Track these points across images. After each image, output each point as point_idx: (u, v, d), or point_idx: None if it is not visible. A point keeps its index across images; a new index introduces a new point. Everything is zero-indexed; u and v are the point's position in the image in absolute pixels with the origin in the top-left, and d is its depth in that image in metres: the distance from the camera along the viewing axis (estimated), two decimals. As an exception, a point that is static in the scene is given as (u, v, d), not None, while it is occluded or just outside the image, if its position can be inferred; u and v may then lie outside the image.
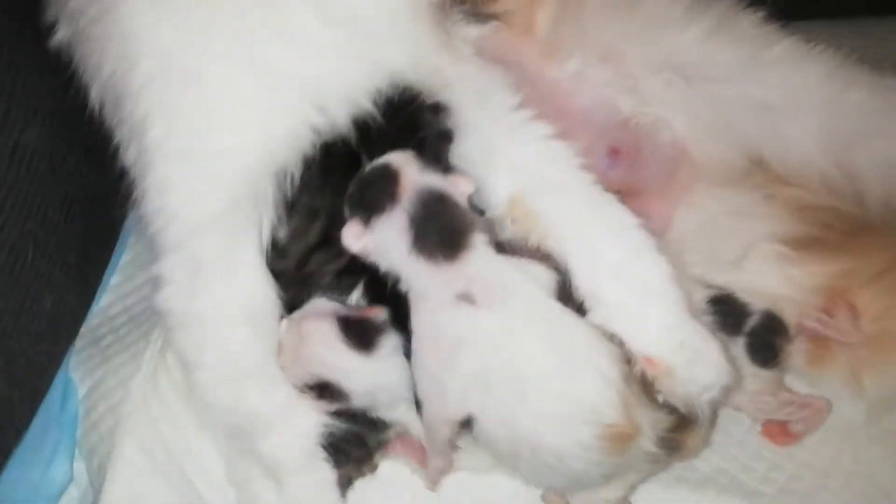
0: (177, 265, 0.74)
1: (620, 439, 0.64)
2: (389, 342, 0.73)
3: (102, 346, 0.87)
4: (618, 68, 0.94)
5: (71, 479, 0.81)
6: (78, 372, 0.85)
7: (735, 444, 0.83)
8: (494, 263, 0.70)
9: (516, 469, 0.71)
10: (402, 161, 0.71)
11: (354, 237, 0.71)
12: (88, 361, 0.86)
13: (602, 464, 0.65)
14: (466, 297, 0.67)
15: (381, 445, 0.78)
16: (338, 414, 0.74)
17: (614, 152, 0.92)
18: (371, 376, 0.72)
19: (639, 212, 0.88)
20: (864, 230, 0.90)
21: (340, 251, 0.74)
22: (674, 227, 0.91)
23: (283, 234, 0.77)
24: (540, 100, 0.88)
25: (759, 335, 0.81)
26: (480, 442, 0.69)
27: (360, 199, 0.72)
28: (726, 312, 0.81)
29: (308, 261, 0.77)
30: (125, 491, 0.76)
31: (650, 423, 0.66)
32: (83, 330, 0.90)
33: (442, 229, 0.69)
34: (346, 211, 0.73)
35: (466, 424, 0.69)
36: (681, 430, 0.69)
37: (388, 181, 0.70)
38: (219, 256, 0.74)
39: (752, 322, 0.81)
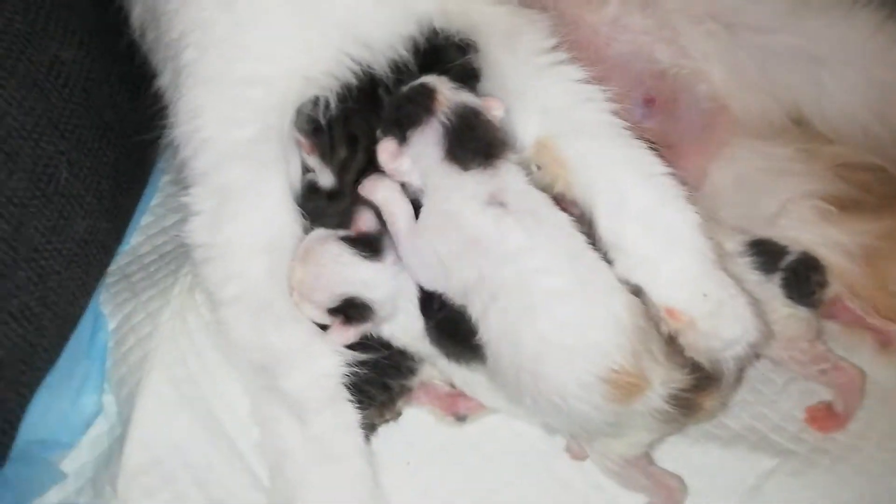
0: (204, 195, 0.74)
1: (625, 388, 0.62)
2: (392, 249, 0.73)
3: (132, 281, 0.88)
4: (658, 17, 0.92)
5: (100, 411, 0.81)
6: (108, 306, 0.85)
7: (766, 403, 0.82)
8: (526, 184, 0.70)
9: (521, 404, 0.69)
10: (437, 81, 0.73)
11: (390, 155, 0.71)
12: (118, 296, 0.86)
13: (604, 410, 0.63)
14: (496, 201, 0.67)
15: (404, 391, 0.78)
16: (361, 349, 0.74)
17: (650, 101, 0.91)
18: (389, 280, 0.72)
19: (672, 164, 0.86)
20: (909, 191, 0.87)
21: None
22: (709, 180, 0.89)
23: (327, 181, 0.77)
24: (577, 45, 0.86)
25: (795, 270, 0.79)
26: (487, 362, 0.67)
27: (396, 115, 0.73)
28: (763, 252, 0.79)
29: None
30: (153, 422, 0.77)
31: (662, 380, 0.64)
32: (113, 268, 0.90)
33: (477, 139, 0.70)
34: (380, 132, 0.74)
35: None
36: (698, 391, 0.66)
37: (424, 97, 0.71)
38: (246, 187, 0.73)
39: (788, 259, 0.79)
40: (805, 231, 0.84)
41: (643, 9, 0.91)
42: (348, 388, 0.73)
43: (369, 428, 0.76)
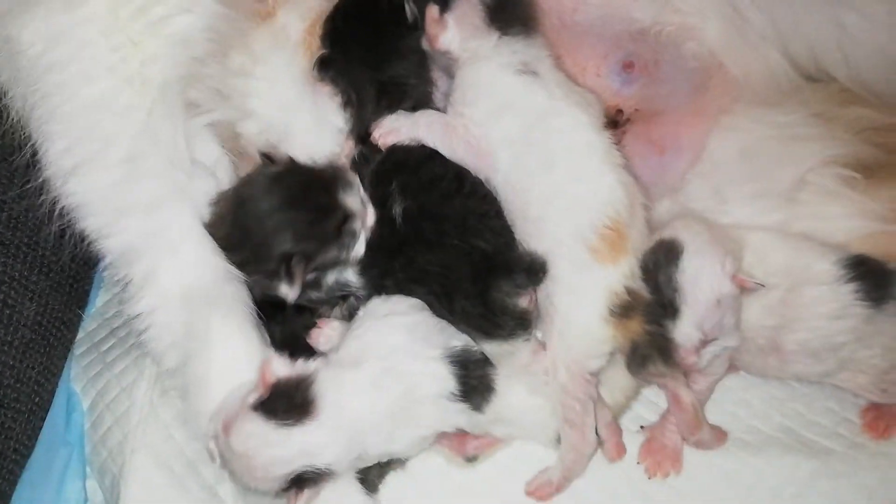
0: (115, 264, 0.69)
1: (612, 243, 0.66)
2: (327, 394, 0.62)
3: (103, 350, 0.82)
4: None
5: (85, 500, 0.77)
6: (80, 382, 0.80)
7: (799, 398, 0.76)
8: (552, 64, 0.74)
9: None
10: None
11: (435, 21, 0.73)
12: (90, 369, 0.80)
13: (583, 261, 0.66)
14: (529, 69, 0.71)
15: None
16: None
17: (628, 66, 0.82)
18: (337, 433, 0.62)
19: (665, 136, 0.80)
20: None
21: None
22: (710, 154, 0.80)
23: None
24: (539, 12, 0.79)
25: None
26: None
27: None
28: (866, 275, 0.70)
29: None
30: (143, 507, 0.72)
31: (630, 267, 0.67)
32: (81, 335, 0.84)
33: (520, 3, 0.74)
34: (414, 4, 0.76)
35: None
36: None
37: None
38: (145, 240, 0.68)
39: None
40: (831, 203, 0.77)
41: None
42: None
43: (374, 484, 0.71)
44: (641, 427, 0.74)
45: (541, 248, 0.68)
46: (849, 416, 0.75)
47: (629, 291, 0.66)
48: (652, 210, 0.75)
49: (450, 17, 0.73)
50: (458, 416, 0.66)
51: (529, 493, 0.69)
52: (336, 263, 0.70)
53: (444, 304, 0.68)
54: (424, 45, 0.76)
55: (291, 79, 0.77)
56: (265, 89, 0.76)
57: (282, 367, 0.63)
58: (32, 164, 0.69)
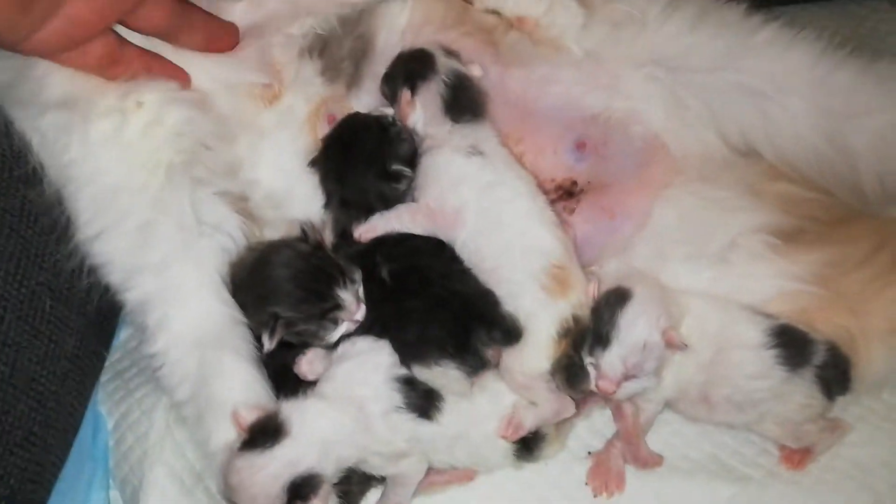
0: (133, 310, 0.81)
1: (561, 281, 0.80)
2: (294, 418, 0.74)
3: (125, 378, 0.93)
4: (593, 68, 0.93)
5: (109, 509, 0.87)
6: (105, 405, 0.91)
7: (727, 430, 0.86)
8: (497, 141, 0.88)
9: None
10: (432, 48, 0.89)
11: (407, 102, 0.86)
12: (114, 395, 0.92)
13: (536, 296, 0.79)
14: (477, 150, 0.85)
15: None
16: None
17: (581, 146, 0.94)
18: (312, 441, 0.73)
19: (614, 204, 0.92)
20: (849, 218, 0.90)
21: None
22: (653, 222, 0.92)
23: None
24: (504, 103, 0.92)
25: (834, 366, 0.81)
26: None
27: (404, 70, 0.88)
28: (789, 343, 0.81)
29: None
30: (159, 516, 0.83)
31: (577, 299, 0.80)
32: (106, 364, 0.96)
33: (471, 96, 0.88)
34: (387, 88, 0.89)
35: None
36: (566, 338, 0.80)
37: (427, 57, 0.88)
38: (161, 293, 0.79)
39: (821, 353, 0.81)
40: (757, 266, 0.87)
41: (578, 65, 0.92)
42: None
43: (353, 502, 0.82)
44: (589, 453, 0.86)
45: (501, 293, 0.80)
46: (768, 448, 0.85)
47: (574, 319, 0.79)
48: (601, 268, 0.87)
49: (418, 101, 0.86)
50: (409, 426, 0.77)
51: (502, 435, 0.79)
52: (314, 336, 0.81)
53: (420, 335, 0.78)
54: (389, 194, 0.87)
55: (294, 153, 0.88)
56: (270, 161, 0.88)
57: (249, 412, 0.75)
58: (66, 226, 0.81)
